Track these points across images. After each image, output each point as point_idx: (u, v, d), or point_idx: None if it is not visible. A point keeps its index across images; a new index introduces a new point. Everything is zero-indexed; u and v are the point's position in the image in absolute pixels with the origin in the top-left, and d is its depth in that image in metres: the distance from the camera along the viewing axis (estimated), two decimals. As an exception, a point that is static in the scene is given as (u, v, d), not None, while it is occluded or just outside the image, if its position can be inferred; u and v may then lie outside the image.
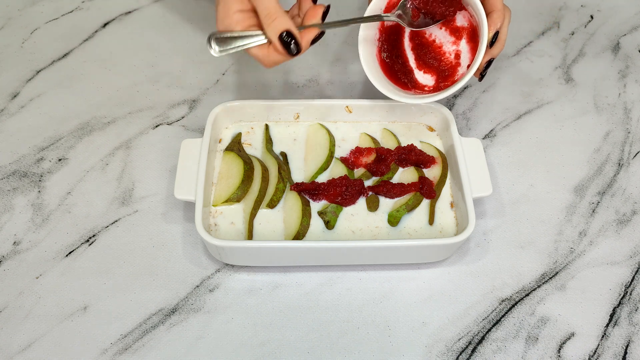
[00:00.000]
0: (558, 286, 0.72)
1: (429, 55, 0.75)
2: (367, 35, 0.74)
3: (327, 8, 0.65)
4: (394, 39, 0.76)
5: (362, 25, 0.72)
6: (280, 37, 0.62)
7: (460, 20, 0.73)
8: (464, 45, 0.74)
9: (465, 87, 0.90)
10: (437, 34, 0.75)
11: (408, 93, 0.75)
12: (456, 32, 0.74)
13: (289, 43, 0.62)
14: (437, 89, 0.75)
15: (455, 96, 0.89)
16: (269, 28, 0.62)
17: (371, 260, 0.71)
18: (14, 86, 0.89)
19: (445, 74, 0.75)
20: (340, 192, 0.73)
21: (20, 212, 0.76)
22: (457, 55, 0.74)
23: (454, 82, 0.73)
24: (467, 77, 0.70)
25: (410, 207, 0.74)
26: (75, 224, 0.75)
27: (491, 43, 0.70)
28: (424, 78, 0.76)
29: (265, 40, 0.63)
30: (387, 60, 0.76)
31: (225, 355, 0.66)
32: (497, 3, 0.70)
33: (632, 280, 0.72)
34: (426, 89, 0.76)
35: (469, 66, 0.73)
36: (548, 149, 0.84)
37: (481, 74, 0.72)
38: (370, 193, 0.75)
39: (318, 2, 0.67)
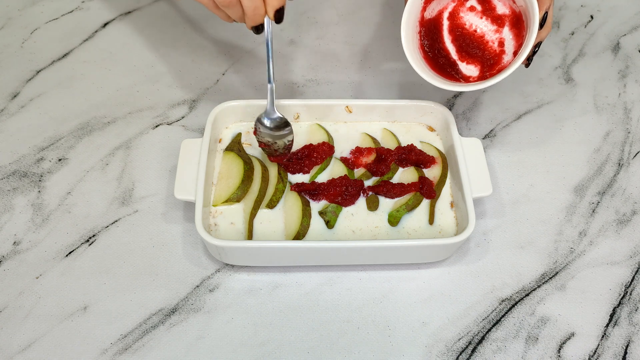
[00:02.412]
0: (558, 286, 0.71)
1: (471, 45, 0.74)
2: (409, 28, 0.73)
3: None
4: (434, 33, 0.75)
5: (404, 18, 0.72)
6: (277, 12, 0.67)
7: (501, 8, 0.73)
8: (507, 33, 0.73)
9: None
10: (478, 23, 0.74)
11: (456, 83, 0.74)
12: (498, 20, 0.73)
13: (281, 17, 0.68)
14: (482, 78, 0.74)
15: (455, 96, 0.89)
16: (272, 3, 0.66)
17: (371, 260, 0.71)
18: (14, 86, 0.88)
19: (489, 63, 0.74)
20: (340, 192, 0.73)
21: (20, 212, 0.76)
22: (501, 43, 0.74)
23: (500, 70, 0.72)
24: (518, 61, 0.69)
25: (410, 207, 0.74)
26: (75, 224, 0.75)
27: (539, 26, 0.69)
28: (468, 69, 0.75)
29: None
30: (429, 54, 0.75)
31: (225, 355, 0.66)
32: None
33: (632, 280, 0.72)
34: (471, 79, 0.75)
35: (514, 53, 0.73)
36: (548, 149, 0.84)
37: (528, 60, 0.71)
38: (370, 193, 0.75)
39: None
